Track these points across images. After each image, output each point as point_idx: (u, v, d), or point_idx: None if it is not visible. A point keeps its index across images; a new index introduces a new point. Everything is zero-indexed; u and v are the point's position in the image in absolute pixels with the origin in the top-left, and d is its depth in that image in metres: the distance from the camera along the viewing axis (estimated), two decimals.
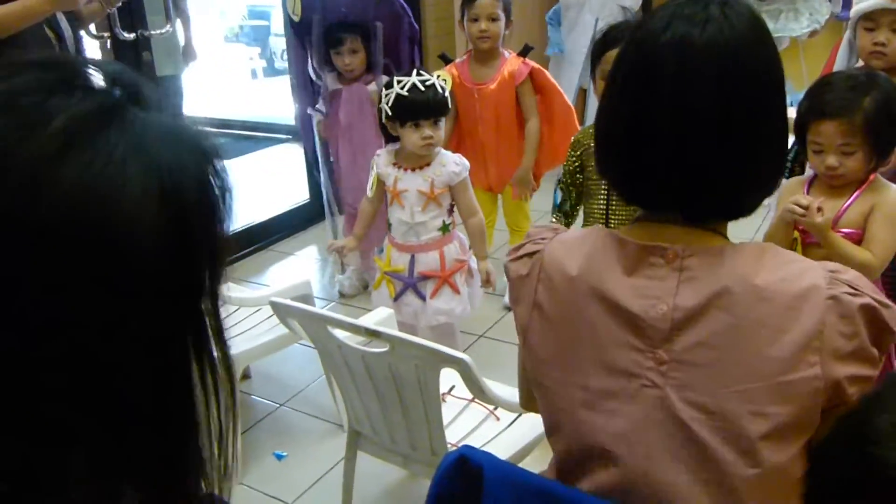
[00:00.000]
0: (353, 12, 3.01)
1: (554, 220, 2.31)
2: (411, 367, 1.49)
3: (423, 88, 2.24)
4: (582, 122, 4.35)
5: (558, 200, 2.31)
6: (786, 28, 3.83)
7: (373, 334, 1.51)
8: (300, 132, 3.48)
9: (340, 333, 1.61)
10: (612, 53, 1.91)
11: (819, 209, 1.67)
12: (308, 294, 2.29)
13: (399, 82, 2.25)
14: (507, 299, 3.12)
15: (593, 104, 4.52)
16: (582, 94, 4.52)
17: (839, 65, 2.24)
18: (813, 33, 3.88)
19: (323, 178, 3.34)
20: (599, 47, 2.01)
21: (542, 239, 1.08)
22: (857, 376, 0.89)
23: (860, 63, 2.21)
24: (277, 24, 8.99)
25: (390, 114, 2.26)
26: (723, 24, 0.91)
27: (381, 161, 2.41)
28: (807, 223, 1.68)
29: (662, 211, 0.99)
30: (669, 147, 0.93)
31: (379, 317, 1.97)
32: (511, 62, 2.91)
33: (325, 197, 3.38)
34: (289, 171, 4.75)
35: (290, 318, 1.71)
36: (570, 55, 4.47)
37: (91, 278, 0.50)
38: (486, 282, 2.45)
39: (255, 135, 6.13)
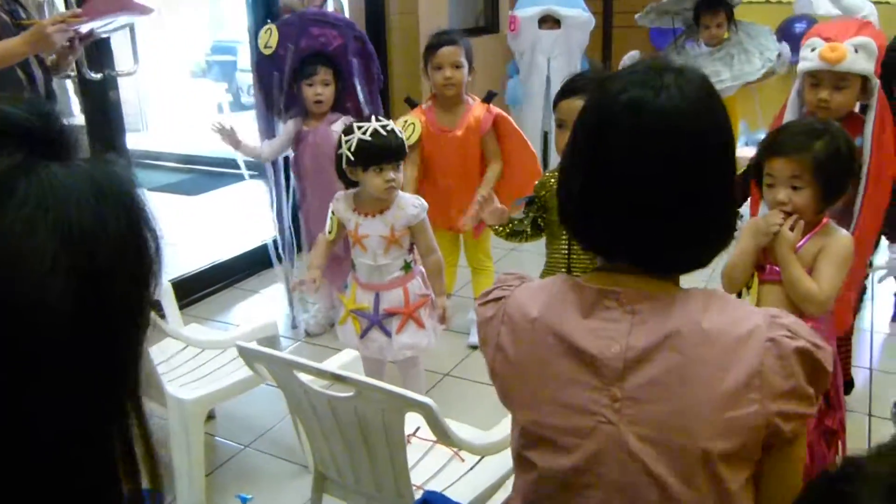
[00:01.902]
0: (329, 44, 3.06)
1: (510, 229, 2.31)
2: (377, 411, 1.52)
3: (384, 133, 2.28)
4: (545, 164, 4.46)
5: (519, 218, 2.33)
6: (742, 74, 3.94)
7: (339, 379, 1.54)
8: (264, 170, 3.46)
9: (306, 377, 1.63)
10: (568, 103, 1.99)
11: (792, 227, 1.79)
12: (274, 335, 2.30)
13: (360, 128, 2.29)
14: (472, 338, 3.16)
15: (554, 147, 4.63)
16: (544, 137, 4.63)
17: (789, 114, 2.36)
18: (769, 74, 4.01)
19: (279, 220, 3.31)
20: (557, 96, 2.07)
21: (510, 286, 1.14)
22: (794, 413, 0.96)
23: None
24: (244, 59, 9.03)
25: (353, 159, 2.29)
26: (675, 92, 0.98)
27: (341, 206, 2.43)
28: (781, 234, 1.80)
29: (617, 260, 1.05)
30: (622, 203, 1.00)
31: (345, 359, 2.00)
32: (476, 108, 2.98)
33: (281, 242, 3.33)
34: (254, 208, 4.74)
35: (257, 363, 1.72)
36: (530, 98, 4.59)
37: None
38: (442, 318, 2.49)
39: (220, 171, 6.10)
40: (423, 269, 2.50)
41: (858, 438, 2.44)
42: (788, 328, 0.97)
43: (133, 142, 3.56)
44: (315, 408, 1.65)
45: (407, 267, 2.42)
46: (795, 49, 4.55)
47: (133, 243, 0.56)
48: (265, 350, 1.65)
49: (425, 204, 2.42)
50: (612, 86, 1.02)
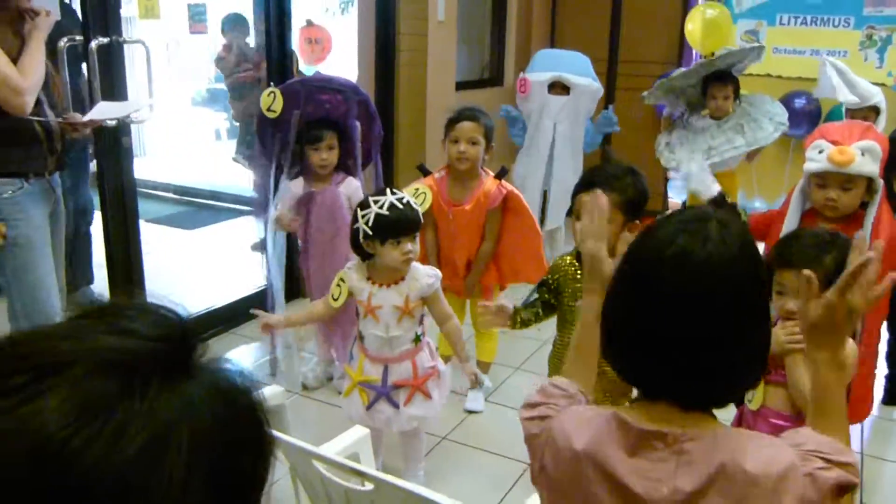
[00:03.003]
0: (335, 110, 3.09)
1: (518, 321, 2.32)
2: None
3: (401, 206, 2.30)
4: (542, 222, 4.52)
5: (530, 300, 2.38)
6: (756, 140, 3.99)
7: (359, 474, 1.54)
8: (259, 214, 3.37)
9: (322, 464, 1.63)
10: (585, 196, 2.04)
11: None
12: (281, 404, 2.30)
13: (376, 202, 2.30)
14: (468, 404, 3.17)
15: (553, 207, 4.70)
16: (543, 195, 4.69)
17: (793, 211, 2.42)
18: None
19: (273, 267, 3.27)
20: (577, 188, 2.11)
21: (556, 405, 1.18)
22: None
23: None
24: None
25: (370, 233, 2.30)
26: (719, 242, 1.03)
27: (354, 276, 2.45)
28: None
29: (658, 397, 1.09)
30: (664, 345, 1.04)
31: (354, 437, 2.00)
32: (488, 183, 3.02)
33: (274, 287, 3.29)
34: (249, 247, 4.74)
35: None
36: (534, 159, 4.66)
37: None
38: (474, 384, 2.55)
39: (217, 205, 6.11)
40: (430, 341, 2.52)
41: None
42: (820, 456, 1.02)
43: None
44: (330, 496, 1.65)
45: (417, 339, 2.44)
46: (795, 123, 4.68)
47: (261, 460, 0.59)
48: (284, 437, 1.66)
49: (439, 274, 2.45)
50: (658, 233, 1.07)
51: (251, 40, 5.18)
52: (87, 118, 2.61)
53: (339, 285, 2.49)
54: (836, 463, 1.03)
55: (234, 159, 5.28)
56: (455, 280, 3.08)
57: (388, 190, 2.36)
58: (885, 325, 3.08)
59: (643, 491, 1.03)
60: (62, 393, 0.51)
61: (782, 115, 4.11)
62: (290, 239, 3.84)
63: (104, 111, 2.72)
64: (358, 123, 3.16)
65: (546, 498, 1.17)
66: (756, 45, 4.17)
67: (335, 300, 2.49)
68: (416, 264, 2.45)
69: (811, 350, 1.18)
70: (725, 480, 1.01)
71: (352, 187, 3.12)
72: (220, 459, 0.55)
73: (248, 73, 5.06)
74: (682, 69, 4.36)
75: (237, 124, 5.42)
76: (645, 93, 4.29)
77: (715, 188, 2.87)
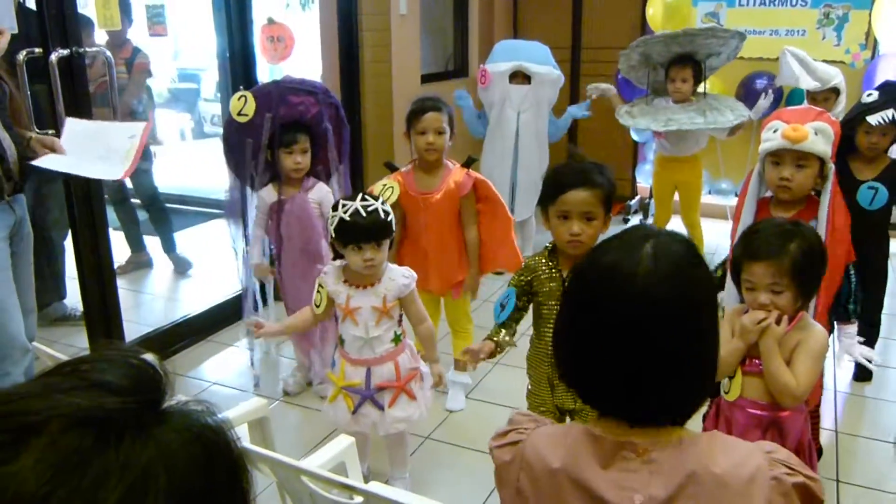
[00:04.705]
0: (307, 112, 3.07)
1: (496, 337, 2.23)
2: None
3: (364, 214, 2.29)
4: (512, 213, 4.53)
5: (506, 308, 2.25)
6: (717, 120, 4.11)
7: (349, 489, 1.55)
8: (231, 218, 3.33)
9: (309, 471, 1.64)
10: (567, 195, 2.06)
11: (778, 321, 1.89)
12: (265, 417, 2.30)
13: (344, 207, 2.31)
14: (449, 403, 3.19)
15: (521, 197, 4.72)
16: (512, 189, 4.71)
17: (751, 193, 2.46)
18: (740, 126, 4.18)
19: (247, 272, 3.27)
20: (552, 187, 2.13)
21: (525, 429, 1.19)
22: None
23: (768, 193, 2.44)
24: (207, 88, 8.96)
25: (334, 236, 2.34)
26: (651, 261, 1.04)
27: (330, 279, 2.45)
28: (770, 329, 1.89)
29: (611, 416, 1.11)
30: (606, 366, 1.07)
31: (340, 447, 2.01)
32: (456, 173, 3.03)
33: (251, 291, 3.29)
34: (224, 252, 4.68)
35: (261, 463, 1.73)
36: (499, 150, 4.67)
37: None
38: (438, 383, 2.53)
39: (185, 209, 6.00)
40: (410, 342, 2.53)
41: None
42: (786, 464, 1.06)
43: None
44: None
45: (397, 339, 2.45)
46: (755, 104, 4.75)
47: (239, 494, 0.61)
48: (271, 454, 1.66)
49: (415, 275, 2.46)
50: (599, 252, 1.11)
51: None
52: (63, 169, 2.53)
53: (318, 292, 2.49)
54: (803, 474, 1.06)
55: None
56: (425, 277, 3.06)
57: (361, 195, 2.36)
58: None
59: (620, 501, 1.06)
60: (39, 451, 0.53)
61: (743, 109, 4.25)
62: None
63: (79, 143, 2.59)
64: (329, 126, 3.14)
65: None
66: (738, 32, 4.20)
67: (317, 307, 2.49)
68: (391, 266, 2.46)
69: None
70: (696, 485, 1.04)
71: (321, 192, 3.10)
72: (198, 500, 0.57)
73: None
74: (666, 31, 4.39)
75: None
76: (622, 51, 4.32)
77: None
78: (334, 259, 2.49)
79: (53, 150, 2.52)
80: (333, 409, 2.51)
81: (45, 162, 2.47)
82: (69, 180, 3.05)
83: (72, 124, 2.67)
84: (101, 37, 4.25)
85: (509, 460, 1.18)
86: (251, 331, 3.05)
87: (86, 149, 2.59)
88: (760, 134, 2.46)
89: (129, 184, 4.74)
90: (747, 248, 1.94)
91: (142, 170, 4.61)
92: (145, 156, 4.59)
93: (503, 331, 2.21)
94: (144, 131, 2.65)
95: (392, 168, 3.14)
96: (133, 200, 4.89)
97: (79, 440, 0.54)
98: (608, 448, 1.08)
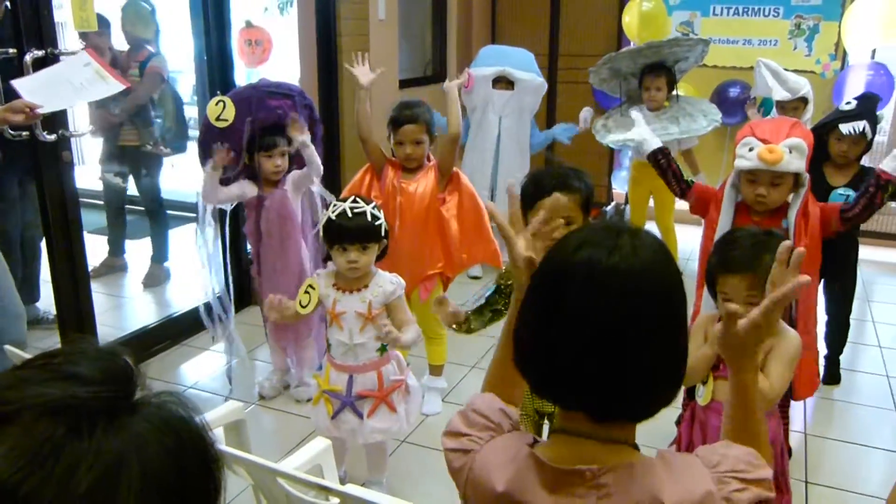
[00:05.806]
0: (286, 115, 3.08)
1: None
2: None
3: (350, 215, 2.32)
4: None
5: (481, 297, 2.27)
6: (690, 129, 4.19)
7: (326, 490, 1.56)
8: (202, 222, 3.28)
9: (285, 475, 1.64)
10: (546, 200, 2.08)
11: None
12: (241, 420, 2.30)
13: (333, 206, 2.34)
14: (425, 408, 3.19)
15: (502, 203, 4.73)
16: (491, 194, 4.73)
17: (726, 205, 2.52)
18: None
19: (216, 277, 3.24)
20: (532, 192, 2.14)
21: (479, 438, 1.16)
22: None
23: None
24: (184, 91, 8.87)
25: (321, 235, 2.36)
26: (629, 253, 1.02)
27: (322, 283, 2.46)
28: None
29: (570, 408, 1.08)
30: (575, 353, 1.02)
31: (316, 450, 2.01)
32: (433, 168, 3.10)
33: (217, 297, 3.24)
34: (194, 257, 4.64)
35: (237, 465, 1.73)
36: (480, 155, 4.69)
37: None
38: (384, 339, 2.36)
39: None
40: (398, 354, 2.53)
41: None
42: (736, 477, 1.04)
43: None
44: None
45: (382, 349, 2.45)
46: (730, 112, 4.85)
47: (212, 484, 0.62)
48: (248, 456, 1.66)
49: (402, 282, 2.47)
50: (568, 245, 1.06)
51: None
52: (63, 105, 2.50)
53: (307, 292, 2.48)
54: (752, 481, 1.05)
55: (102, 179, 4.96)
56: (399, 267, 3.02)
57: (353, 197, 2.38)
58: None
59: None
60: (12, 439, 0.54)
61: (716, 113, 4.34)
62: (237, 248, 3.83)
63: (43, 92, 2.49)
64: (320, 127, 3.19)
65: None
66: (702, 38, 4.31)
67: (304, 307, 2.48)
68: (380, 271, 2.47)
69: (737, 373, 1.22)
70: None
71: (295, 176, 3.12)
72: (171, 489, 0.58)
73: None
74: (631, 47, 4.47)
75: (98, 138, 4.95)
76: (591, 68, 4.39)
77: (655, 142, 2.88)
78: (326, 259, 2.50)
79: (31, 108, 2.44)
80: (315, 413, 2.52)
81: (39, 99, 2.44)
82: (42, 181, 3.03)
83: (22, 84, 2.56)
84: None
85: (458, 468, 1.16)
86: (230, 336, 3.05)
87: (56, 93, 2.54)
88: (734, 140, 2.51)
89: (134, 190, 4.79)
90: (723, 261, 1.97)
91: (149, 174, 4.69)
92: (156, 162, 4.70)
93: (475, 318, 2.24)
94: (89, 53, 2.65)
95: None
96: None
97: (51, 429, 0.55)
98: (555, 475, 1.05)
